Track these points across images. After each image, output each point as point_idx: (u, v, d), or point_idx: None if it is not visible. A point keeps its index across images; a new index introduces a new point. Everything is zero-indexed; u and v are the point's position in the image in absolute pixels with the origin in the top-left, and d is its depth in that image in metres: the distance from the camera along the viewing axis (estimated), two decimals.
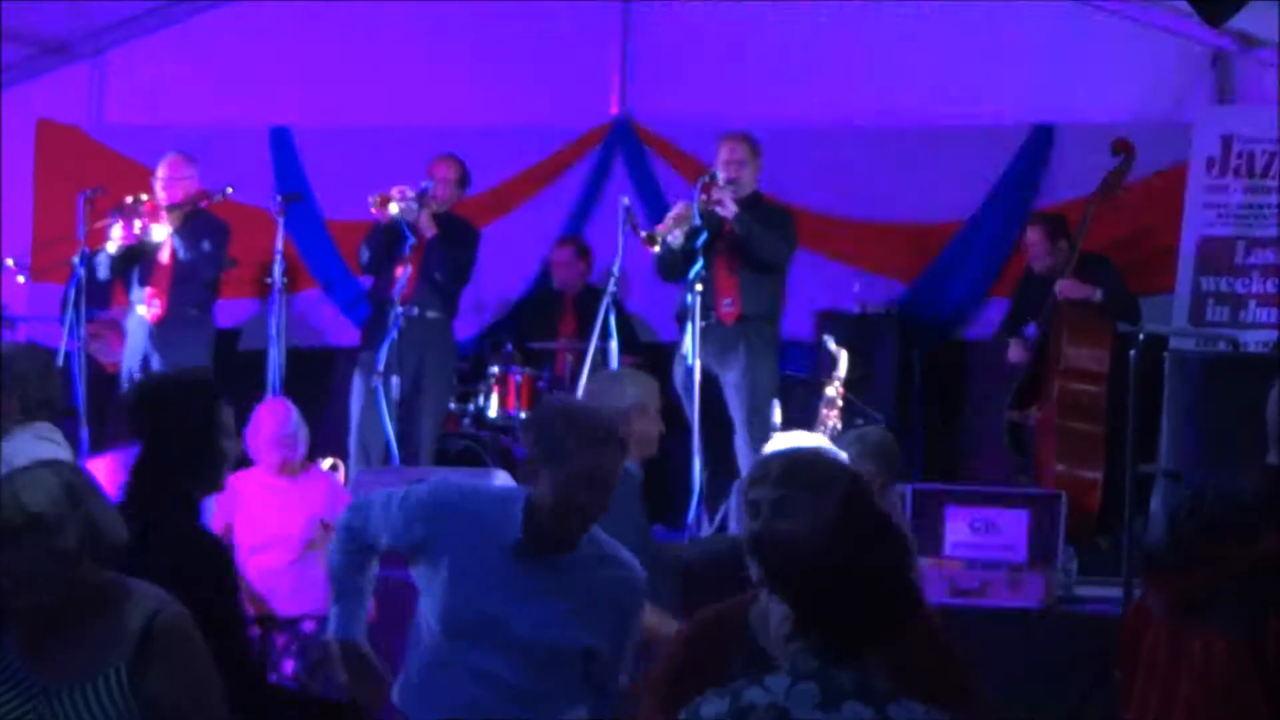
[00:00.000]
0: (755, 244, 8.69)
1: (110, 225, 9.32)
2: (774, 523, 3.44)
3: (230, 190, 9.51)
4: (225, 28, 10.98)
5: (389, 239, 9.23)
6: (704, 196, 8.61)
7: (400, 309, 8.90)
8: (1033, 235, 9.29)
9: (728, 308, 8.74)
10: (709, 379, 8.61)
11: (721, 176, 8.78)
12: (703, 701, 3.01)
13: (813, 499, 3.43)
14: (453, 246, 9.25)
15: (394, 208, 9.09)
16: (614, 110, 10.73)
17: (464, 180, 9.53)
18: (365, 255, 9.44)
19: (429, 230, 9.22)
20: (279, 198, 9.27)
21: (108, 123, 11.15)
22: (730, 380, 8.74)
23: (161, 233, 9.36)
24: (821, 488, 3.45)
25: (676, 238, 8.62)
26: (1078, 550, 7.74)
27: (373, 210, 9.16)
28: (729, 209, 8.69)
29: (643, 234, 8.72)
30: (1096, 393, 8.55)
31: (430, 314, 9.22)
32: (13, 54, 10.71)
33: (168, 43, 11.09)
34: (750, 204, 8.83)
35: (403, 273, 9.05)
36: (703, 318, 8.48)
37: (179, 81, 11.00)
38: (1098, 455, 8.46)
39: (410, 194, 9.14)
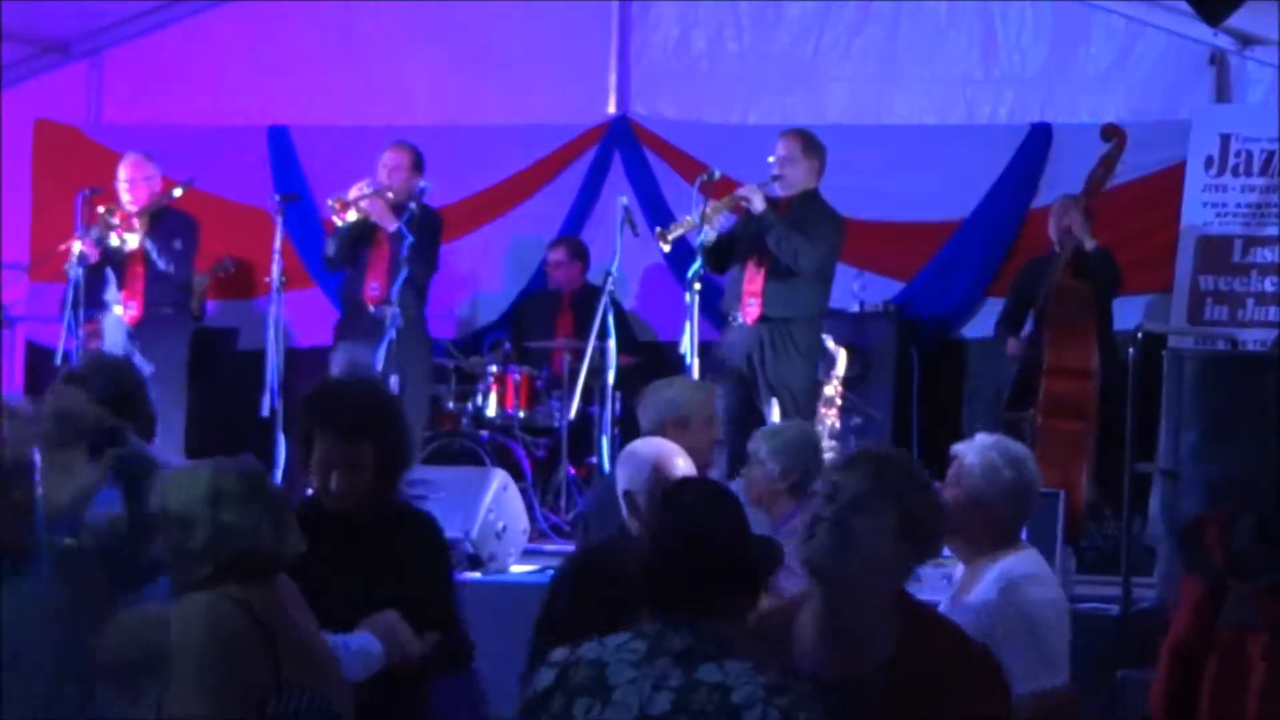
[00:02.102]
0: (779, 244, 8.63)
1: (84, 238, 9.37)
2: (851, 516, 3.42)
3: (192, 182, 9.57)
4: (223, 27, 10.98)
5: (356, 233, 9.29)
6: (704, 206, 8.59)
7: (373, 310, 9.03)
8: (1059, 206, 9.08)
9: (749, 307, 8.71)
10: (743, 378, 8.64)
11: (771, 172, 8.76)
12: (557, 651, 3.23)
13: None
14: (416, 235, 9.25)
15: (352, 214, 9.18)
16: (612, 110, 10.72)
17: (417, 165, 9.51)
18: (332, 248, 9.45)
19: (390, 224, 9.23)
20: (277, 197, 9.29)
21: (106, 122, 11.15)
22: (757, 380, 8.71)
23: (134, 239, 9.44)
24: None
25: (717, 226, 8.62)
26: (1075, 549, 7.74)
27: (333, 216, 9.22)
28: (756, 205, 8.66)
29: (657, 230, 8.77)
30: (1082, 390, 8.52)
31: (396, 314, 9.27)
32: (11, 54, 10.71)
33: (166, 42, 11.09)
34: (800, 203, 8.77)
35: (373, 273, 9.14)
36: (730, 317, 8.65)
37: (177, 81, 11.00)
38: (1083, 453, 8.44)
39: (368, 190, 9.20)
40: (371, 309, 9.21)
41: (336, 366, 9.10)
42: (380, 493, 4.60)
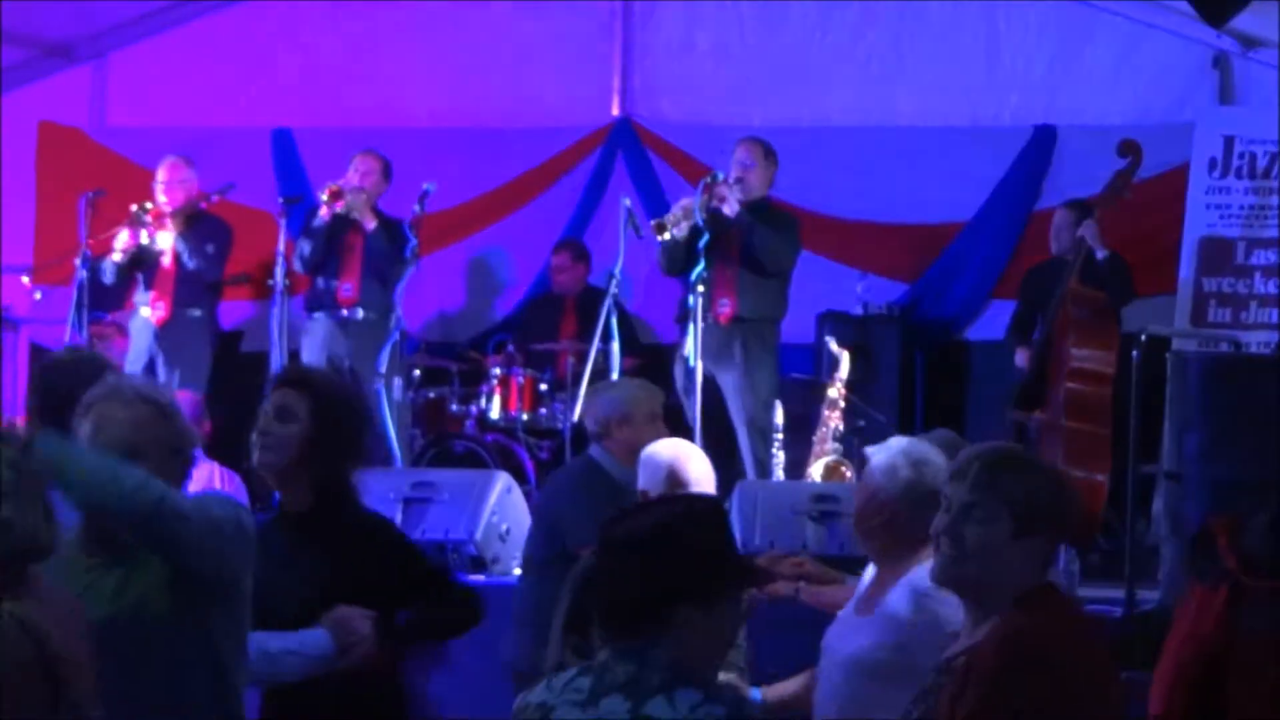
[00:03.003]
0: (756, 245, 8.68)
1: (116, 234, 9.39)
2: (963, 527, 3.44)
3: (231, 188, 9.58)
4: (227, 30, 10.98)
5: (331, 232, 9.33)
6: (705, 196, 8.64)
7: (346, 312, 9.14)
8: (1060, 218, 9.16)
9: (723, 308, 8.75)
10: (709, 380, 8.63)
11: (731, 176, 8.81)
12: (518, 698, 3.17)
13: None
14: (392, 236, 9.27)
15: (342, 203, 9.22)
16: (615, 112, 10.73)
17: (387, 173, 9.57)
18: (308, 248, 9.44)
19: (370, 221, 9.25)
20: (281, 200, 9.30)
21: (109, 125, 11.15)
22: (729, 382, 8.75)
23: (166, 239, 9.45)
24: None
25: (682, 230, 8.66)
26: (1079, 552, 7.73)
27: (323, 204, 9.24)
28: (732, 207, 8.70)
29: (652, 222, 8.81)
30: (1102, 394, 8.51)
31: (370, 315, 9.27)
32: (14, 56, 10.71)
33: (169, 45, 11.08)
34: (757, 208, 8.84)
35: (347, 275, 9.21)
36: (701, 318, 8.56)
37: (181, 84, 11.00)
38: (1103, 457, 8.43)
39: (352, 185, 9.26)
40: (345, 311, 9.24)
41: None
42: (322, 477, 4.43)
